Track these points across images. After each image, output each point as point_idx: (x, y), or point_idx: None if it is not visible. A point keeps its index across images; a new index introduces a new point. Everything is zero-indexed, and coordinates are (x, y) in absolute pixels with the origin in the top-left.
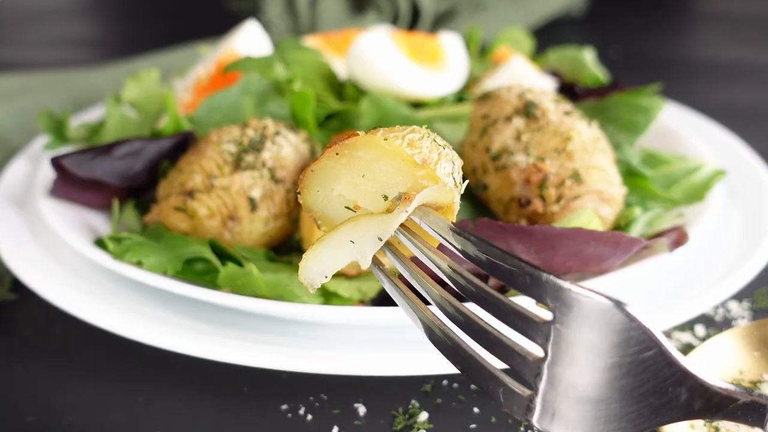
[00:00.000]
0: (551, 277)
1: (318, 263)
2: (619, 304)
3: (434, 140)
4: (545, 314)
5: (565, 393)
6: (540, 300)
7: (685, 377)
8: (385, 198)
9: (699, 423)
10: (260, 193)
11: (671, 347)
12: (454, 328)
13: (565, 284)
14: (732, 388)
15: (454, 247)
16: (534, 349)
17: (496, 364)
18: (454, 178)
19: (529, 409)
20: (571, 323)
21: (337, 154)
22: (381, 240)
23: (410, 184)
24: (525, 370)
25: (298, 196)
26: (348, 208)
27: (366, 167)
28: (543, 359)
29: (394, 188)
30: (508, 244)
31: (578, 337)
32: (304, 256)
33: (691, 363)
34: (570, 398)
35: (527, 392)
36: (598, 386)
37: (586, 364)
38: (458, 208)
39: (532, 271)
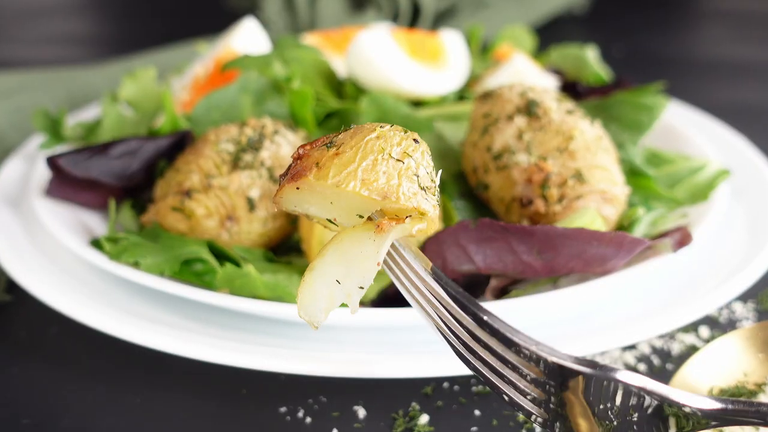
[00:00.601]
0: (535, 350)
1: (314, 301)
2: (611, 372)
3: (390, 155)
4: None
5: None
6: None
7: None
8: (360, 216)
9: None
10: (259, 192)
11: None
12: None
13: (551, 360)
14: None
15: (432, 291)
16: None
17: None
18: (424, 189)
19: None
20: (566, 393)
21: (297, 188)
22: (363, 288)
23: (380, 208)
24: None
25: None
26: (329, 219)
27: (330, 197)
28: (547, 401)
29: (366, 211)
30: (510, 245)
31: (573, 403)
32: (299, 291)
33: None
34: None
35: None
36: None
37: (583, 420)
38: (437, 213)
39: (511, 337)
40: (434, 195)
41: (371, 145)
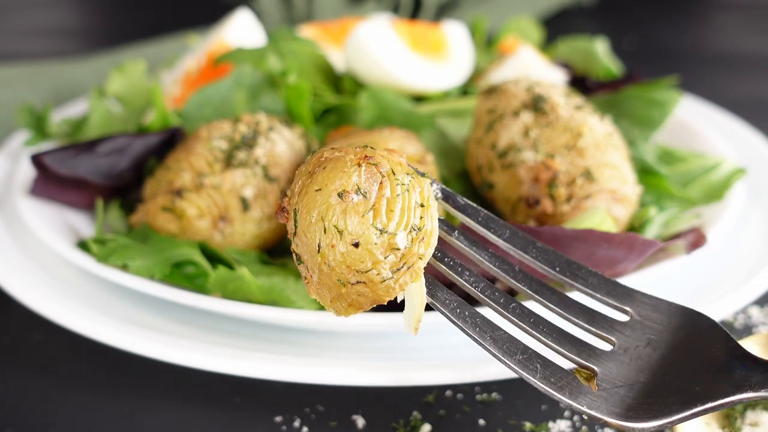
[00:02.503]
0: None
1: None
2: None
3: (372, 212)
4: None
5: (630, 375)
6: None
7: (741, 354)
8: None
9: (714, 424)
10: (253, 192)
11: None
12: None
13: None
14: None
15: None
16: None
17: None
18: (414, 231)
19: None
20: (636, 320)
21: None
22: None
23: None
24: (591, 360)
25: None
26: None
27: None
28: (612, 349)
29: None
30: None
31: (645, 330)
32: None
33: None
34: (634, 378)
35: (592, 377)
36: (662, 365)
37: (651, 350)
38: (436, 235)
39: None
40: (420, 248)
41: (353, 207)
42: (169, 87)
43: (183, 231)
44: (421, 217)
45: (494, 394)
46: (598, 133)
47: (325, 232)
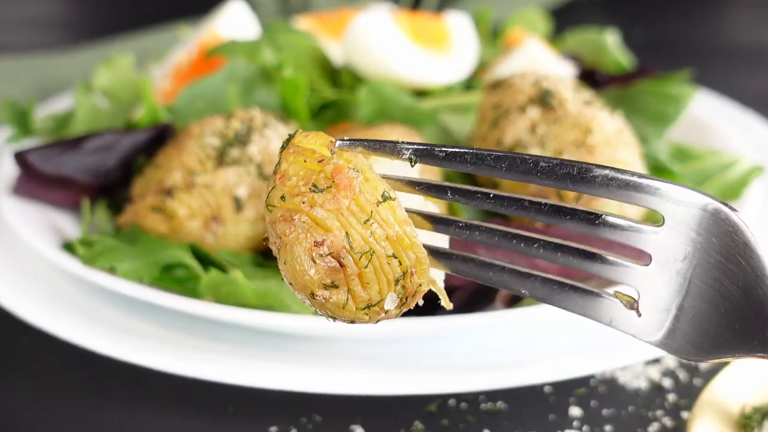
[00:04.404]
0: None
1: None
2: (728, 207)
3: (351, 300)
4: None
5: (671, 297)
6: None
7: None
8: None
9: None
10: (247, 191)
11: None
12: None
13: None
14: None
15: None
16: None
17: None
18: (400, 280)
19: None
20: (677, 226)
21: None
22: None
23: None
24: (627, 279)
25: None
26: None
27: None
28: (647, 266)
29: None
30: None
31: (683, 240)
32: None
33: None
34: (675, 301)
35: (631, 301)
36: (701, 287)
37: (689, 265)
38: (425, 254)
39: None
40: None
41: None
42: (158, 81)
43: (173, 232)
44: (399, 262)
45: (500, 404)
46: (608, 129)
47: (316, 312)
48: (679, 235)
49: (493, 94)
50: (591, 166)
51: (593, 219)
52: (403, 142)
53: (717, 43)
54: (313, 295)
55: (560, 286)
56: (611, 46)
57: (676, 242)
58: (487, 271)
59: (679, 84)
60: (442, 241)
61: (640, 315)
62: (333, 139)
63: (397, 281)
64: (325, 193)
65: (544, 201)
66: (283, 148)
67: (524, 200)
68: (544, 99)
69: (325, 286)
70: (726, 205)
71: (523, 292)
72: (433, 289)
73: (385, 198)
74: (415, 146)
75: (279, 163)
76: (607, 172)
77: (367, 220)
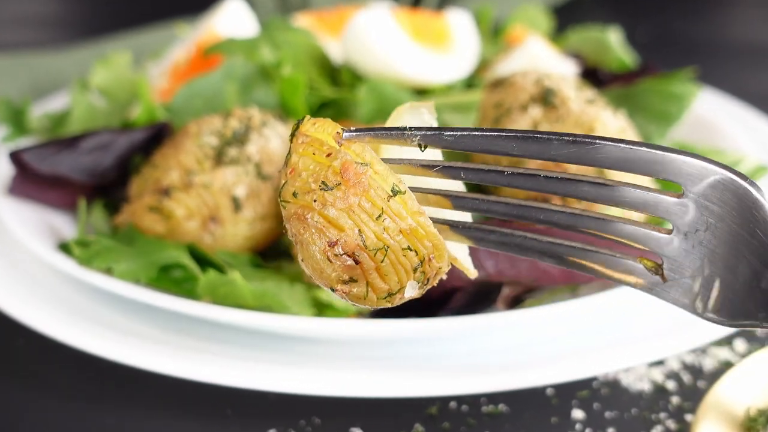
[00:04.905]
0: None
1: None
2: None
3: (371, 291)
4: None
5: (696, 264)
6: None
7: None
8: None
9: None
10: (245, 191)
11: None
12: None
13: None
14: None
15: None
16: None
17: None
18: (419, 266)
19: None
20: (700, 198)
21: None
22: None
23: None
24: (651, 244)
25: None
26: None
27: None
28: (669, 234)
29: None
30: None
31: (704, 212)
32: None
33: None
34: (701, 269)
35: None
36: (727, 258)
37: (711, 236)
38: (441, 240)
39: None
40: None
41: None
42: (156, 79)
43: (171, 232)
44: (415, 252)
45: (501, 406)
46: (611, 128)
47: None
48: (700, 206)
49: (495, 92)
50: (606, 139)
51: (612, 188)
52: (411, 128)
53: (721, 41)
54: (333, 289)
55: (584, 251)
56: (614, 44)
57: (697, 213)
58: (512, 240)
59: (683, 82)
60: (464, 214)
61: (665, 280)
62: (340, 130)
63: (415, 269)
64: (335, 191)
65: (560, 174)
66: (292, 135)
67: (539, 175)
68: (546, 98)
69: (344, 282)
70: (746, 180)
71: (548, 259)
72: (456, 265)
73: (396, 192)
74: (423, 132)
75: (289, 154)
76: (622, 145)
77: (379, 215)
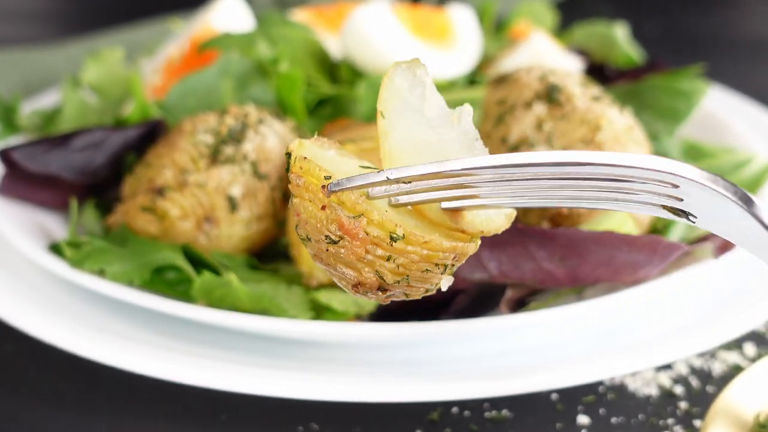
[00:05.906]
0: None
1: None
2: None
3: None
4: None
5: None
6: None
7: None
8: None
9: None
10: (241, 190)
11: None
12: None
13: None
14: None
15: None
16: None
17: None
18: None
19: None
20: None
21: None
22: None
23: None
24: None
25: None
26: None
27: None
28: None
29: None
30: (528, 250)
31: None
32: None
33: None
34: None
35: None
36: None
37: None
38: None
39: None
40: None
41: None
42: (149, 76)
43: (165, 233)
44: (437, 265)
45: (505, 411)
46: (617, 126)
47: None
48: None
49: (498, 89)
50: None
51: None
52: (389, 171)
53: (731, 36)
54: (355, 289)
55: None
56: (621, 39)
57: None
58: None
59: (692, 79)
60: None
61: (693, 222)
62: (325, 180)
63: (444, 271)
64: (341, 244)
65: (564, 155)
66: (287, 170)
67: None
68: (550, 94)
69: (382, 299)
70: (742, 197)
71: (569, 203)
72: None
73: (395, 239)
74: (403, 174)
75: (292, 195)
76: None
77: (389, 257)
